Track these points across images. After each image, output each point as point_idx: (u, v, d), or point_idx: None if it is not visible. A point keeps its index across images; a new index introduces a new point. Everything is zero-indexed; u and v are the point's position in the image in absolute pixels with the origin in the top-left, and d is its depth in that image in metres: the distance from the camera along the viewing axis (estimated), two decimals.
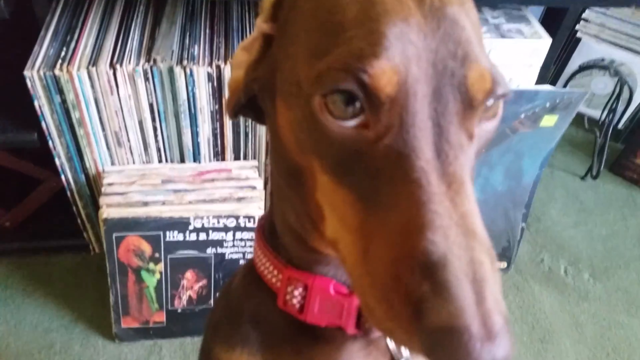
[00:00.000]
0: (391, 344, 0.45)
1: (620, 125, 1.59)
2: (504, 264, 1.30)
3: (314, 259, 0.42)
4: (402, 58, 0.29)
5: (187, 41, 0.98)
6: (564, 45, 1.55)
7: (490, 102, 0.31)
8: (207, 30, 1.02)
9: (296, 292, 0.43)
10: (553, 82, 1.57)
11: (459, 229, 0.27)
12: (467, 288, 0.26)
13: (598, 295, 1.30)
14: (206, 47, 0.97)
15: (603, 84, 1.53)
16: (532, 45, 1.01)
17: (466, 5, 0.32)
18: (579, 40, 1.50)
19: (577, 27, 1.52)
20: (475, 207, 0.29)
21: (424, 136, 0.29)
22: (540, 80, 1.09)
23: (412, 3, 0.30)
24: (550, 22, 1.12)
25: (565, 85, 1.52)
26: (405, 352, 0.45)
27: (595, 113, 1.57)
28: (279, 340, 0.47)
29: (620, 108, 1.53)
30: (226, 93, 0.48)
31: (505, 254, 1.29)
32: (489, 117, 0.32)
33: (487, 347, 0.25)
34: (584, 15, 1.50)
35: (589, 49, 1.50)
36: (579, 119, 1.67)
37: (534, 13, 1.10)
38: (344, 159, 0.31)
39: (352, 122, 0.30)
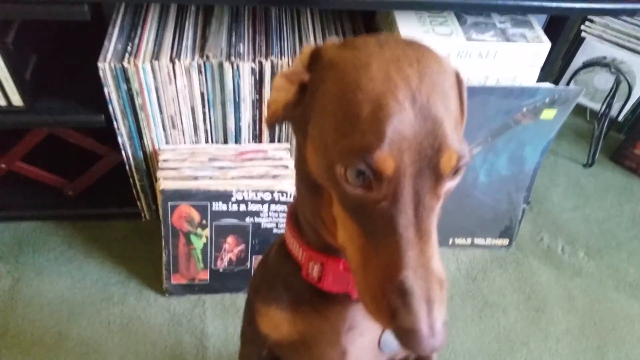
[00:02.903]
0: None
1: (620, 118, 1.65)
2: (506, 241, 1.38)
3: (326, 246, 0.53)
4: (397, 150, 0.39)
5: (233, 40, 1.08)
6: (570, 45, 1.61)
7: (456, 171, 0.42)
8: (250, 30, 1.11)
9: (315, 267, 0.55)
10: (559, 77, 1.62)
11: (423, 269, 0.40)
12: (423, 307, 0.39)
13: (591, 272, 1.37)
14: (249, 45, 1.08)
15: (604, 80, 1.59)
16: (534, 48, 1.07)
17: (447, 100, 0.41)
18: (583, 39, 1.55)
19: (582, 27, 1.56)
20: (436, 251, 0.41)
21: (408, 202, 0.40)
22: (542, 78, 1.16)
23: (407, 104, 0.39)
24: (554, 26, 1.20)
25: (569, 80, 1.57)
26: None
27: (598, 106, 1.62)
28: (303, 301, 0.59)
29: (619, 102, 1.59)
30: (265, 110, 0.64)
31: (507, 232, 1.36)
32: (453, 179, 0.43)
33: (431, 341, 0.38)
34: (589, 16, 1.54)
35: (592, 48, 1.55)
36: (583, 111, 1.72)
37: (538, 18, 1.17)
38: (354, 206, 0.42)
39: (361, 188, 0.41)
